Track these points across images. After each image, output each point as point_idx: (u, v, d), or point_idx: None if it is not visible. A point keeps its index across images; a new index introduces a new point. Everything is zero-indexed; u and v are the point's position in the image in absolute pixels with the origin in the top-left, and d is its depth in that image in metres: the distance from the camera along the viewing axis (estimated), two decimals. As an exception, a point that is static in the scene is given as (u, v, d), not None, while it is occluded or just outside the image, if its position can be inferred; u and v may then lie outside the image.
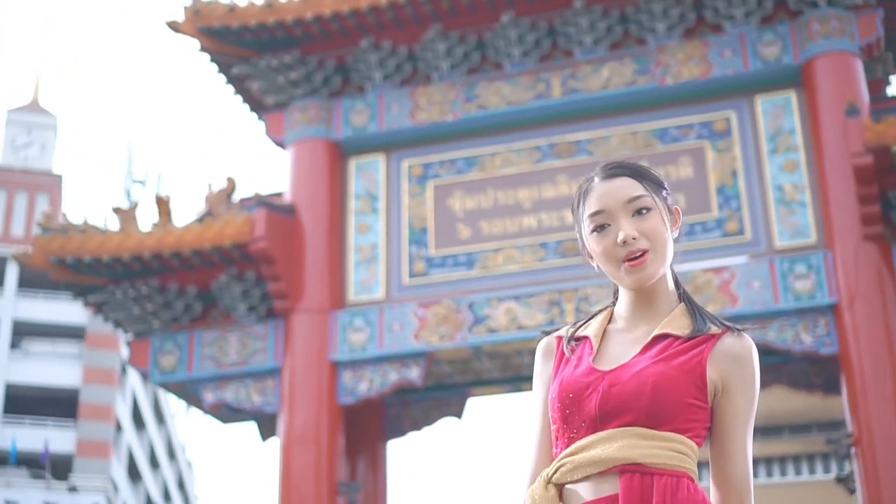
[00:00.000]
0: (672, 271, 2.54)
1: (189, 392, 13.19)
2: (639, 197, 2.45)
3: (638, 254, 2.42)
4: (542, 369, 2.60)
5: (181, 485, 57.41)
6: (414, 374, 12.22)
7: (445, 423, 15.37)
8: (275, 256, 12.37)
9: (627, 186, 2.46)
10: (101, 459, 37.49)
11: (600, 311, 2.61)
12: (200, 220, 12.97)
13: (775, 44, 12.32)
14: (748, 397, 2.41)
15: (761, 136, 12.27)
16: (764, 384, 13.74)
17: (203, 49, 13.60)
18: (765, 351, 12.32)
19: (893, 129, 10.94)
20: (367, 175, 13.29)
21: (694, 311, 2.48)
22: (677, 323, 2.45)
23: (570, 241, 12.32)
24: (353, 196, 13.22)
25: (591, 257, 2.53)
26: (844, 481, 11.59)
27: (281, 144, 13.67)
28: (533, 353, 10.57)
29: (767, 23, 12.46)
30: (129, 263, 12.62)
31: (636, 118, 12.73)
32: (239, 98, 14.34)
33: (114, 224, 13.07)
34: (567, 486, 2.39)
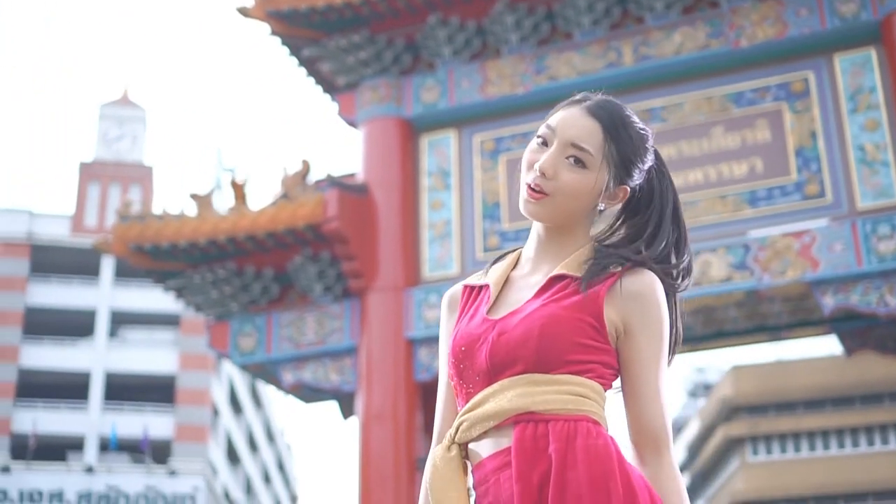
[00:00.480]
0: (607, 224, 2.41)
1: (269, 373, 13.30)
2: (582, 149, 2.29)
3: (538, 189, 2.29)
4: (445, 323, 2.48)
5: (281, 467, 58.29)
6: (490, 349, 12.13)
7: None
8: (348, 236, 12.38)
9: (589, 132, 2.30)
10: (200, 443, 38.18)
11: (509, 252, 2.47)
12: (275, 202, 13.04)
13: (853, 0, 11.95)
14: (652, 335, 2.25)
15: (841, 96, 11.92)
16: (850, 350, 13.45)
17: (273, 33, 13.65)
18: (849, 315, 12.02)
19: (977, 81, 10.55)
20: (439, 151, 13.24)
21: (600, 251, 2.32)
22: (575, 263, 2.31)
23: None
24: (426, 173, 13.17)
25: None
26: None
27: (353, 124, 13.68)
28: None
29: (843, -22, 12.08)
30: (206, 248, 12.75)
31: (710, 83, 12.46)
32: (311, 80, 14.36)
33: (192, 210, 13.21)
34: (470, 444, 2.27)
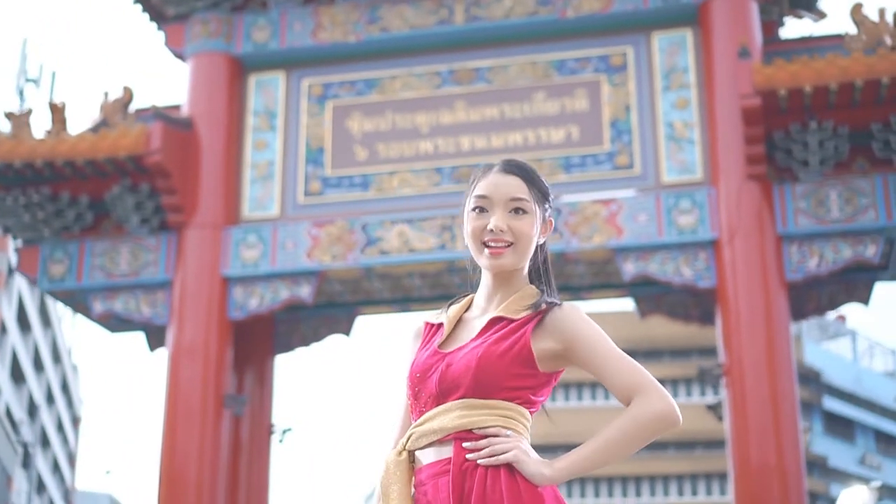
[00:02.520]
0: (541, 262, 2.93)
1: (78, 301, 13.16)
2: (520, 199, 2.81)
3: (501, 244, 2.80)
4: (409, 350, 3.01)
5: (65, 388, 56.95)
6: (305, 292, 12.37)
7: (333, 340, 15.56)
8: (170, 170, 12.34)
9: (516, 186, 2.82)
10: (-15, 361, 37.03)
11: (463, 296, 3.00)
12: (95, 129, 12.83)
13: (675, -19, 12.50)
14: (591, 341, 2.75)
15: (656, 73, 12.52)
16: (644, 313, 14.24)
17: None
18: (646, 282, 12.74)
19: (782, 72, 11.27)
20: (267, 92, 13.27)
21: (529, 296, 2.85)
22: (512, 307, 2.82)
23: (465, 167, 12.49)
24: (252, 113, 13.20)
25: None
26: (714, 409, 12.10)
27: (180, 57, 13.55)
28: (423, 275, 10.92)
29: (668, -39, 12.62)
30: (21, 170, 12.46)
31: (536, 49, 12.88)
32: (139, 7, 14.08)
33: (5, 129, 12.85)
34: (416, 452, 2.79)
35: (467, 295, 3.00)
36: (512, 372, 2.72)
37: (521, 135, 12.56)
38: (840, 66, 11.17)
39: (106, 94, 13.29)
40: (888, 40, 11.51)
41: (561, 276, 13.13)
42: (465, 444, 2.67)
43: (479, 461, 2.64)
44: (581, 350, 2.75)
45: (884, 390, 48.05)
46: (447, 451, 2.72)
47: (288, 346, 14.19)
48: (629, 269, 11.88)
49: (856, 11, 11.87)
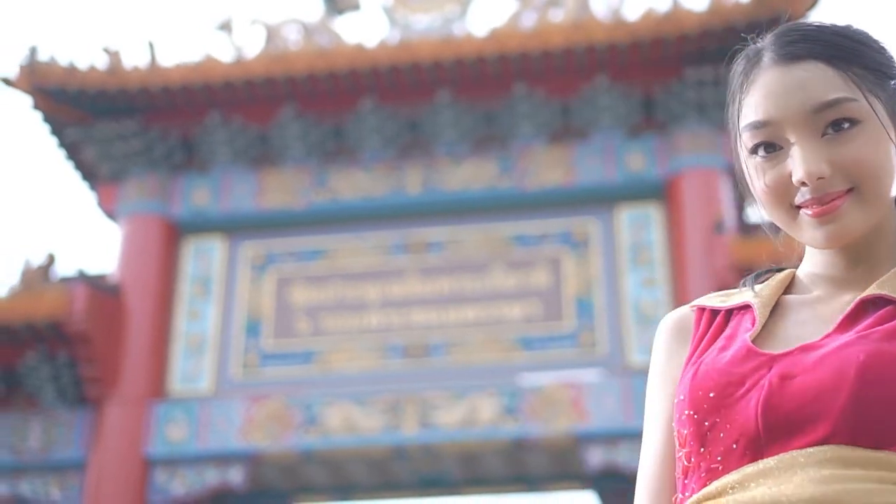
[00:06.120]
0: None
1: (-21, 482, 11.81)
2: (837, 102, 1.39)
3: (829, 198, 1.38)
4: (666, 359, 1.53)
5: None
6: (235, 476, 11.11)
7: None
8: (92, 337, 11.21)
9: (817, 82, 1.41)
10: None
11: (769, 270, 1.57)
12: (13, 294, 11.74)
13: (641, 155, 11.94)
14: None
15: (622, 249, 11.78)
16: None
17: (36, 107, 12.53)
18: (612, 474, 11.66)
19: (762, 248, 10.56)
20: (204, 258, 12.31)
21: None
22: None
23: (417, 344, 11.52)
24: (188, 279, 12.20)
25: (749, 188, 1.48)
26: None
27: (113, 218, 12.64)
28: (368, 461, 9.28)
29: (634, 133, 12.07)
30: (-74, 334, 11.31)
31: (494, 220, 12.12)
32: (72, 164, 13.26)
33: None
34: None
35: (780, 269, 1.55)
36: None
37: (478, 310, 11.64)
38: (821, 241, 10.47)
39: (27, 260, 12.27)
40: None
41: (515, 465, 12.02)
42: None
43: None
44: None
45: None
46: None
47: (214, 538, 12.79)
48: (594, 458, 10.82)
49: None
